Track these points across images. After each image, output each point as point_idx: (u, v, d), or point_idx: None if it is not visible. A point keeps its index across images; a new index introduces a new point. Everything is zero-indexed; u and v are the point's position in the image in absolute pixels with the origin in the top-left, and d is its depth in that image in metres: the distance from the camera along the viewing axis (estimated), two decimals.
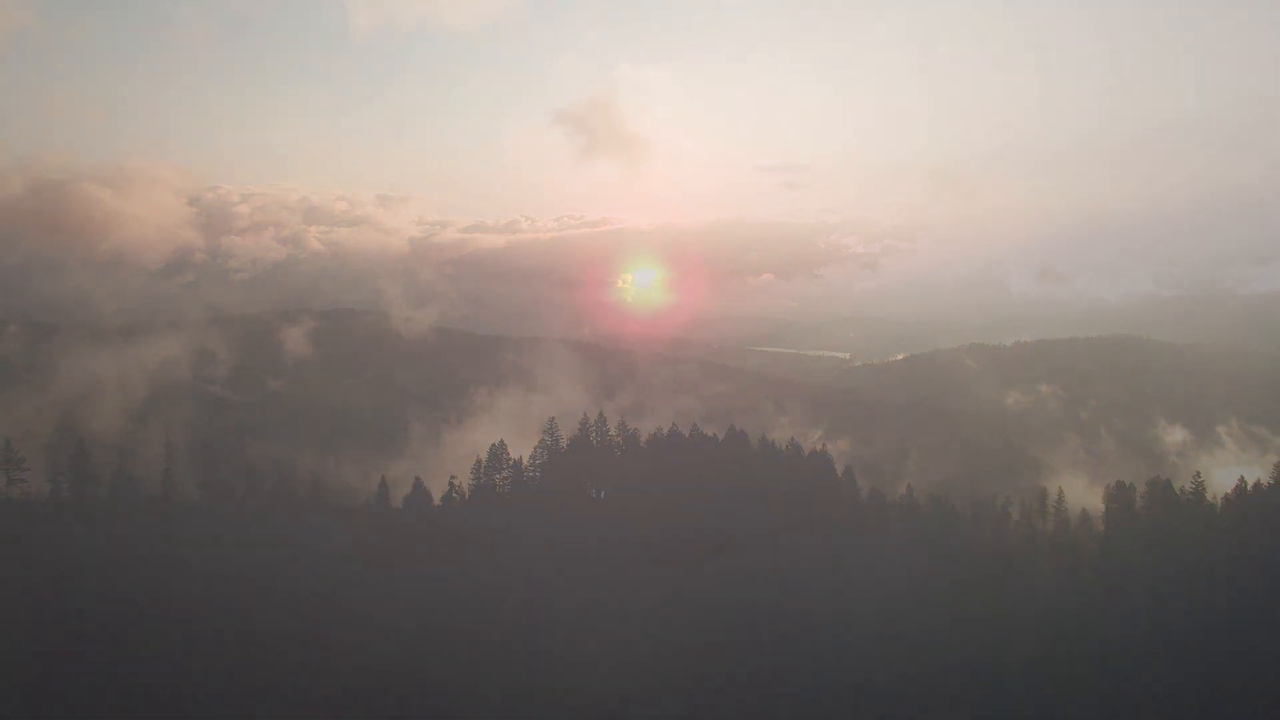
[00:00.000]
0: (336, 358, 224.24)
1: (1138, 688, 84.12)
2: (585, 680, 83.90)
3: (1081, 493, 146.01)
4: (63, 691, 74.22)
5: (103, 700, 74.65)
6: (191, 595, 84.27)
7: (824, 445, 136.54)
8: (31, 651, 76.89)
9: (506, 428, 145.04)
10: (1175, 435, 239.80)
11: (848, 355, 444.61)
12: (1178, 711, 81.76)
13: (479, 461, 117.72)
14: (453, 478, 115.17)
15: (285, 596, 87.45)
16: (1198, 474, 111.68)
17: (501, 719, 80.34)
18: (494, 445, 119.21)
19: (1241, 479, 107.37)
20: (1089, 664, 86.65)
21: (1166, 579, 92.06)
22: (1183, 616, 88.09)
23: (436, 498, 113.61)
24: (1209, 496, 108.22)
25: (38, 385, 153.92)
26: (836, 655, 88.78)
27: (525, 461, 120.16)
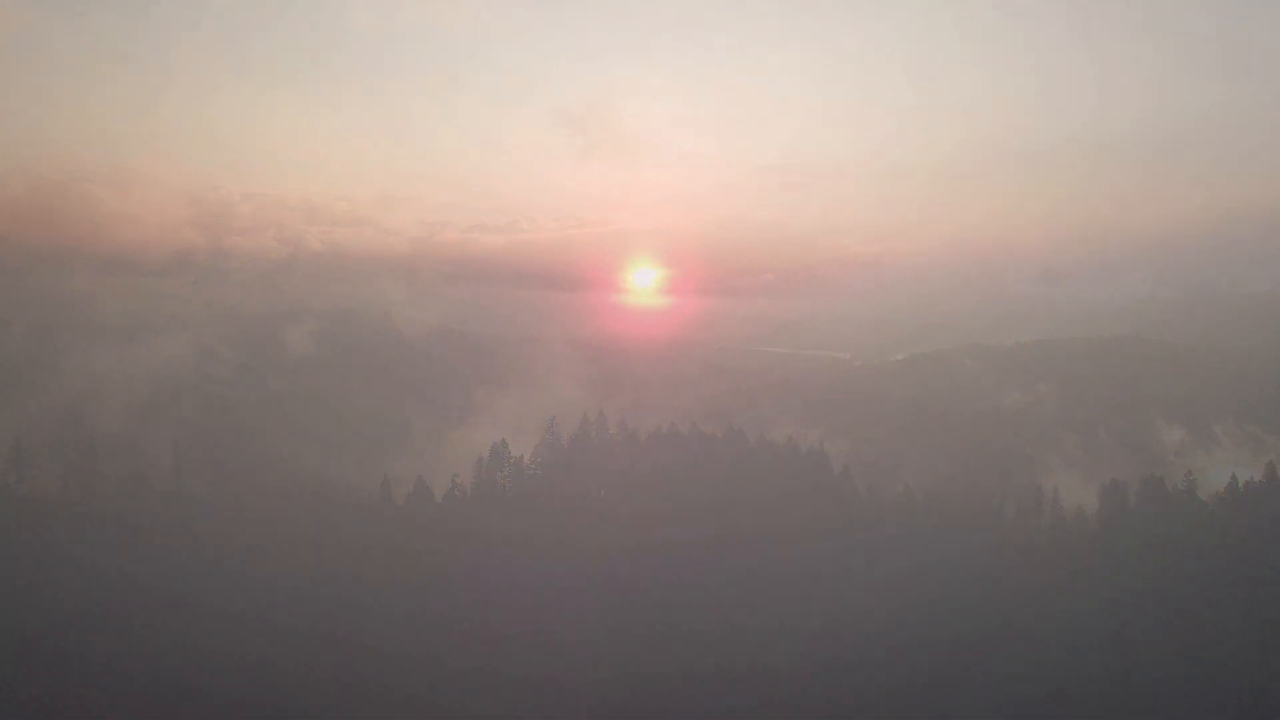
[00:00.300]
0: (339, 357, 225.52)
1: (1130, 682, 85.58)
2: (585, 673, 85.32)
3: (1078, 491, 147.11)
4: (73, 688, 75.67)
5: (112, 696, 76.16)
6: (200, 591, 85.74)
7: (822, 444, 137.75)
8: (42, 649, 78.35)
9: (507, 426, 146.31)
10: (1173, 435, 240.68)
11: (848, 355, 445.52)
12: (1170, 705, 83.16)
13: (480, 460, 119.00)
14: (455, 476, 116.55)
15: (291, 592, 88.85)
16: (1189, 472, 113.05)
17: (502, 711, 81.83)
18: (495, 444, 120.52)
19: (1233, 476, 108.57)
20: (1083, 657, 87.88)
21: (1158, 575, 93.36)
22: (1174, 611, 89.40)
23: (438, 496, 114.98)
24: (1201, 495, 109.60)
25: (44, 385, 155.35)
26: (833, 650, 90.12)
27: (526, 460, 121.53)
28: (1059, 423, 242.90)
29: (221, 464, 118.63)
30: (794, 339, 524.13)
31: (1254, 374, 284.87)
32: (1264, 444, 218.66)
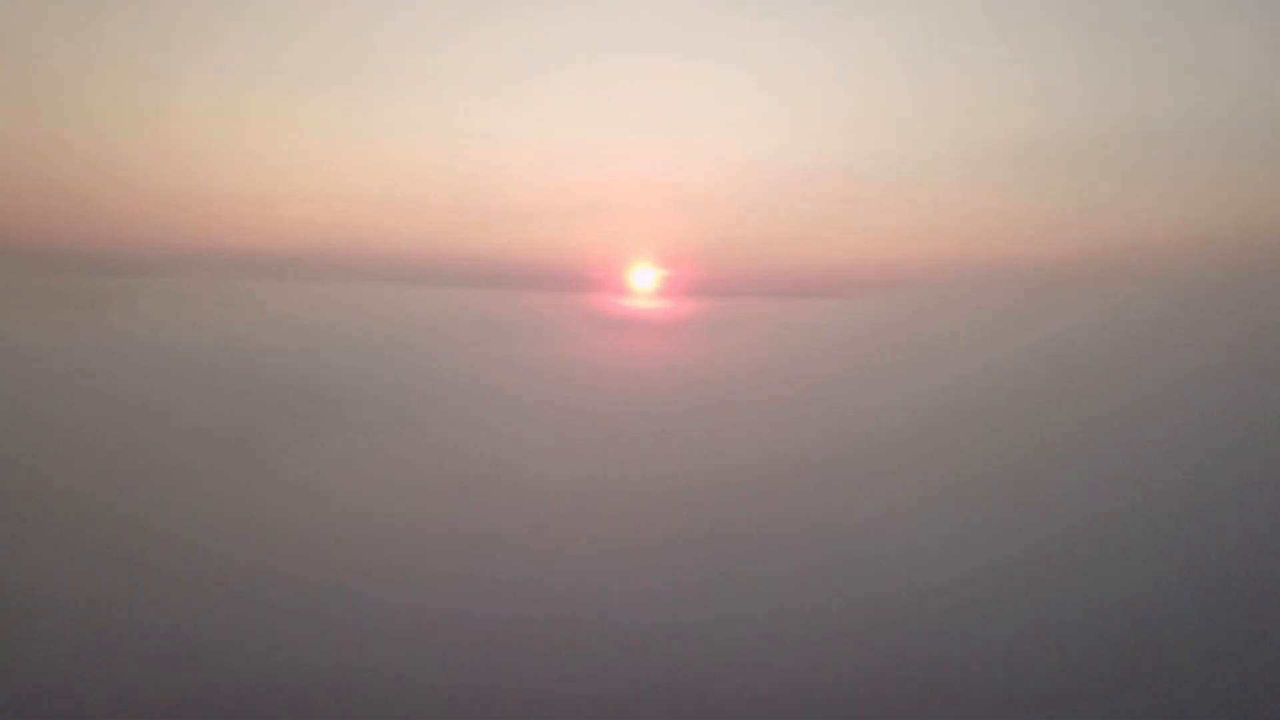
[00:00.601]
0: (341, 358, 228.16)
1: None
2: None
3: None
4: (78, 685, 76.85)
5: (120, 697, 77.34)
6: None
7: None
8: (46, 650, 79.61)
9: None
10: None
11: (848, 356, 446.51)
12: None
13: None
14: None
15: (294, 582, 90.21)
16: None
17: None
18: None
19: None
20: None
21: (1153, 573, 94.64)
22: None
23: None
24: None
25: (49, 386, 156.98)
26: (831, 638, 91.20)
27: None
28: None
29: (228, 464, 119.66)
30: (794, 340, 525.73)
31: None
32: None
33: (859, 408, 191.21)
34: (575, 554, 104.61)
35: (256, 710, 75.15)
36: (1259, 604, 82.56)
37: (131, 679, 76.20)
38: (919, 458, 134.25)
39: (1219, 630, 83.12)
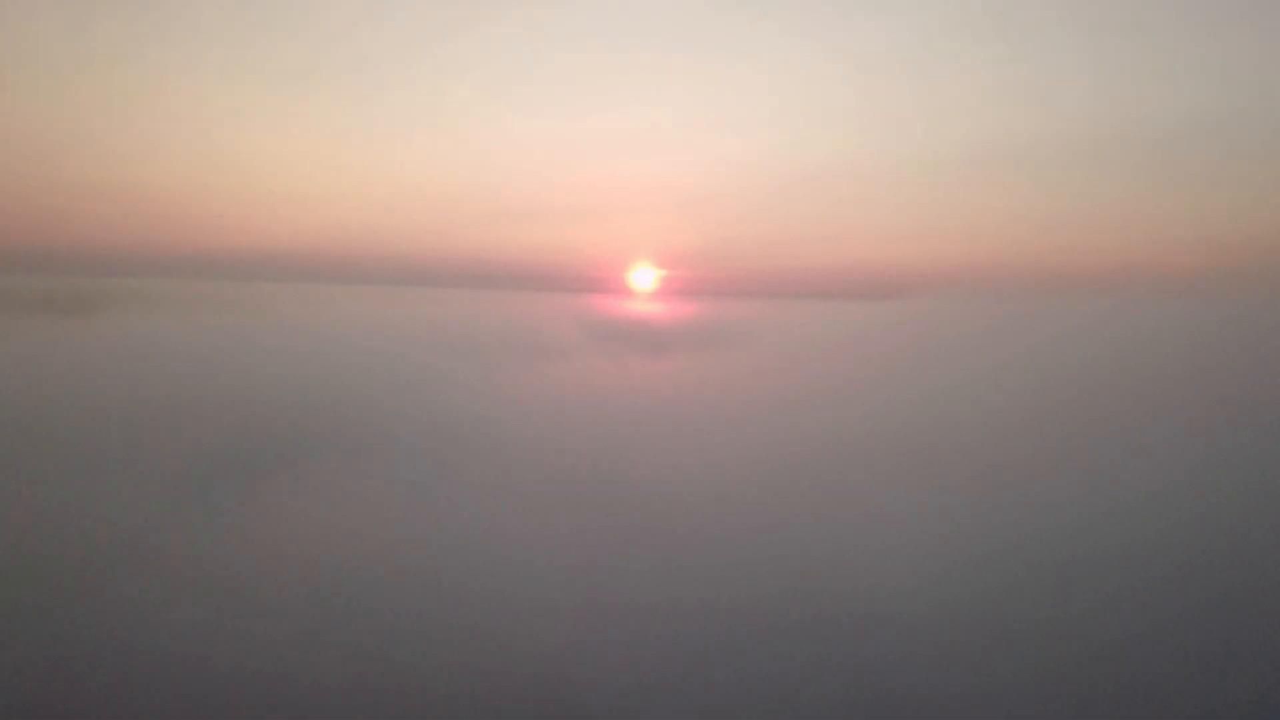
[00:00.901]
0: (341, 357, 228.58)
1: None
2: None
3: None
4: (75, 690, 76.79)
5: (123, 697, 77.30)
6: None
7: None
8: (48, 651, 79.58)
9: None
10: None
11: (848, 357, 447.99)
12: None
13: None
14: None
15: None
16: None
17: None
18: None
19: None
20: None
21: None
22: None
23: None
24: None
25: (51, 387, 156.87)
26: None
27: None
28: None
29: (223, 468, 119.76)
30: (794, 340, 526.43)
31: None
32: None
33: (859, 409, 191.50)
34: (574, 554, 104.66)
35: None
36: (1260, 610, 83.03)
37: (105, 696, 76.06)
38: (920, 459, 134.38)
39: (1223, 644, 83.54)
